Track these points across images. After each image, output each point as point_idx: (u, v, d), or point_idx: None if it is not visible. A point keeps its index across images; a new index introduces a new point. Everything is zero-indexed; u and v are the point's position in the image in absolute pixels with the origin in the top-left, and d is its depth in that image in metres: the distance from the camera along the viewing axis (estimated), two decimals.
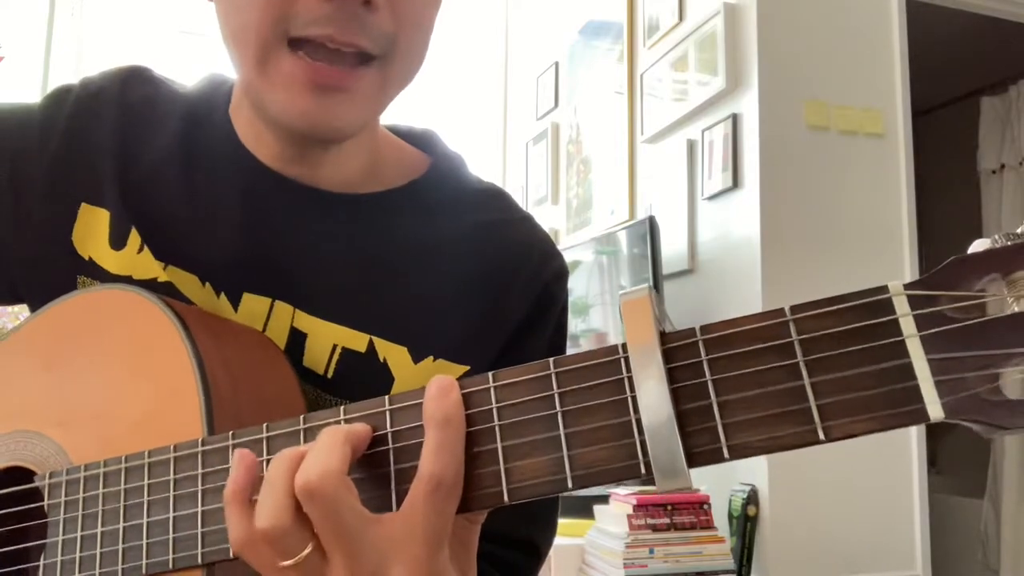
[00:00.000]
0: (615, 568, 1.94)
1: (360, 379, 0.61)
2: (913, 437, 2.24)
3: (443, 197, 0.67)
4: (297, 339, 0.61)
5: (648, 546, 1.96)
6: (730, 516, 2.14)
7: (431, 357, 0.62)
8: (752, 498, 2.10)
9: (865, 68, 2.36)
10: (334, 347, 0.61)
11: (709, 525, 2.02)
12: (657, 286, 2.28)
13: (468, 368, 0.63)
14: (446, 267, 0.64)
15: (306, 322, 0.61)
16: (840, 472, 2.13)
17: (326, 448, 0.40)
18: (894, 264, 2.30)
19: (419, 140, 0.71)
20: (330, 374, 0.61)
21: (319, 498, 0.39)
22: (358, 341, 0.61)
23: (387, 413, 0.43)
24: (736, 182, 2.28)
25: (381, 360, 0.61)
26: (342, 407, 0.44)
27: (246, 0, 0.54)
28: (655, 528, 1.97)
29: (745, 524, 2.09)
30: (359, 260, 0.63)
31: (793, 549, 2.10)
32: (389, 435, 0.43)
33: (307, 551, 0.40)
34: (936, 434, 3.59)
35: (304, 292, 0.61)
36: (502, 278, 0.65)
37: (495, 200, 0.69)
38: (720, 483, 2.16)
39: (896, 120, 2.35)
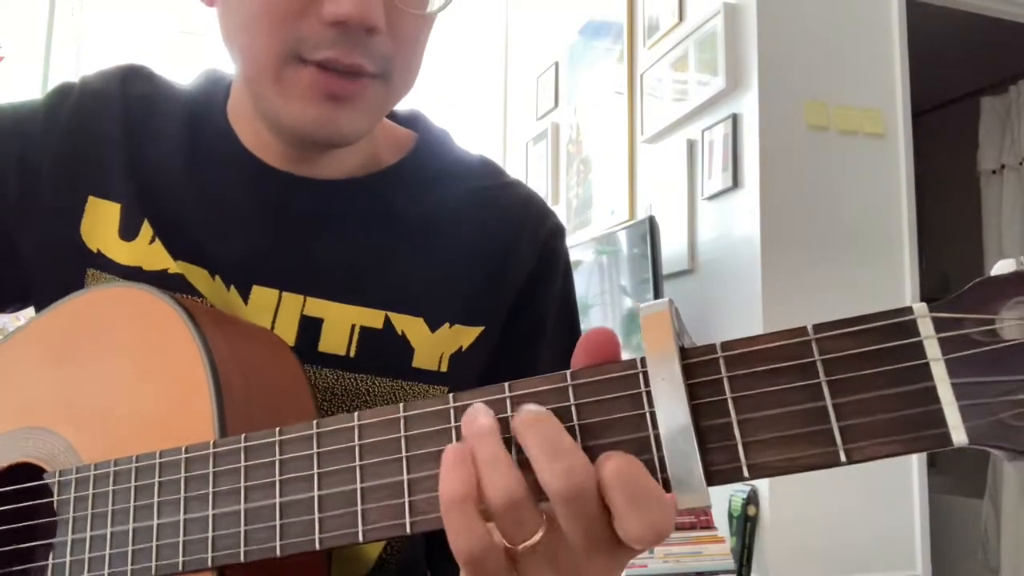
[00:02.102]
0: None
1: (381, 354, 0.63)
2: None
3: (436, 169, 0.69)
4: (310, 326, 0.62)
5: None
6: (730, 516, 2.14)
7: (447, 324, 0.64)
8: (752, 498, 2.11)
9: (865, 68, 2.36)
10: (353, 327, 0.63)
11: (709, 525, 2.02)
12: (657, 286, 2.28)
13: (483, 328, 0.65)
14: (449, 235, 0.66)
15: (320, 308, 0.62)
16: (840, 472, 2.11)
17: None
18: (894, 264, 2.30)
19: (405, 119, 0.73)
20: (352, 353, 0.63)
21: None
22: (374, 318, 0.63)
23: (401, 420, 0.43)
24: (736, 182, 2.28)
25: (399, 333, 0.63)
26: (355, 413, 0.44)
27: (252, 21, 0.56)
28: None
29: (745, 524, 2.09)
30: (364, 240, 0.64)
31: (793, 549, 2.10)
32: (402, 440, 0.42)
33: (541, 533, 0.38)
34: None
35: (315, 279, 0.63)
36: (504, 239, 0.67)
37: (485, 168, 0.72)
38: None
39: (896, 120, 2.35)
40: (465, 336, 0.65)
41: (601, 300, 2.61)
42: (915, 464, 2.23)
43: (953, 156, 3.82)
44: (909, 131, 2.36)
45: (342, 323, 0.62)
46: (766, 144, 2.22)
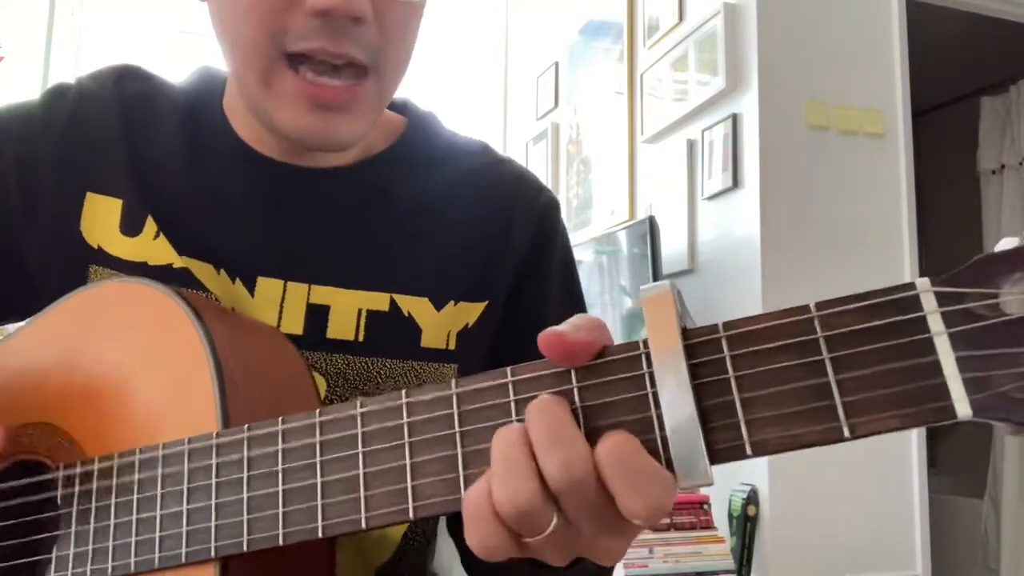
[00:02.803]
0: (615, 568, 1.94)
1: (389, 336, 0.64)
2: (913, 437, 2.24)
3: (428, 151, 0.70)
4: (317, 314, 0.63)
5: (648, 546, 1.96)
6: (730, 516, 2.14)
7: (452, 302, 0.65)
8: (752, 498, 2.10)
9: (865, 68, 2.36)
10: (359, 311, 0.63)
11: (709, 525, 2.02)
12: None
13: (487, 304, 0.66)
14: (446, 215, 0.67)
15: (326, 295, 0.63)
16: (840, 472, 2.13)
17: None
18: (894, 264, 2.30)
19: (394, 105, 0.74)
20: (361, 337, 0.63)
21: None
22: (379, 301, 0.64)
23: (403, 407, 0.43)
24: (736, 182, 2.28)
25: (406, 314, 0.64)
26: (358, 400, 0.44)
27: (240, 15, 0.56)
28: (655, 528, 1.97)
29: (745, 524, 2.09)
30: (364, 225, 0.65)
31: (793, 549, 2.10)
32: (405, 426, 0.43)
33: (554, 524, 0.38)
34: (936, 434, 3.59)
35: (318, 267, 0.63)
36: (500, 215, 0.68)
37: (478, 148, 0.73)
38: (720, 483, 2.14)
39: (896, 120, 2.35)
40: (470, 312, 0.66)
41: (601, 300, 2.61)
42: (915, 464, 2.23)
43: (953, 156, 3.83)
44: (909, 131, 2.36)
45: (349, 308, 0.63)
46: (766, 144, 2.22)
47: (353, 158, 0.67)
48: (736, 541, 2.09)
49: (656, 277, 2.29)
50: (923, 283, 0.35)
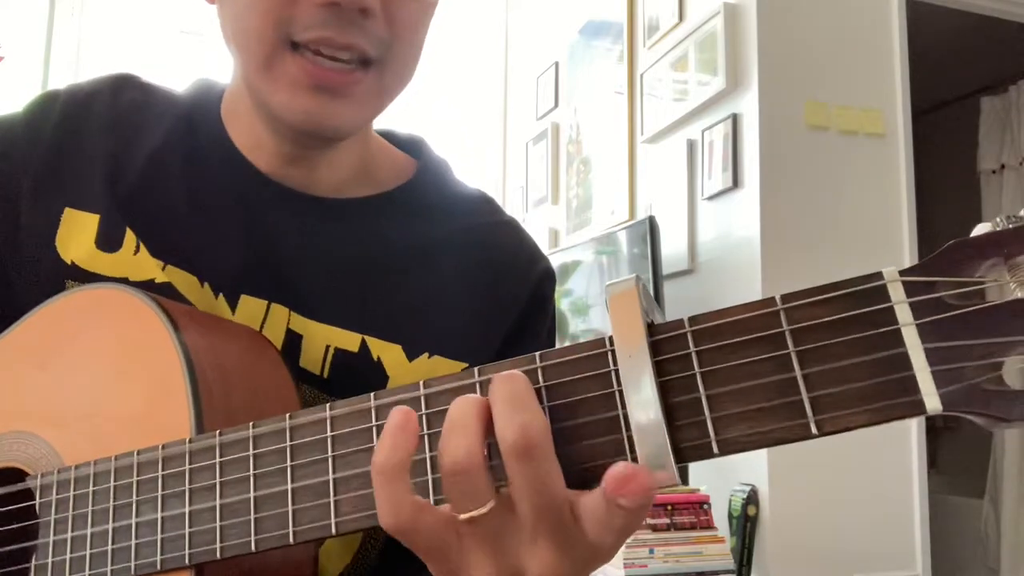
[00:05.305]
0: (615, 568, 1.94)
1: (355, 378, 0.61)
2: (913, 437, 2.24)
3: (432, 200, 0.69)
4: (293, 341, 0.62)
5: (648, 546, 1.96)
6: (730, 516, 2.14)
7: (426, 354, 0.63)
8: (752, 498, 2.10)
9: (865, 68, 2.36)
10: (327, 348, 0.62)
11: (709, 525, 2.02)
12: (657, 286, 2.28)
13: (466, 365, 0.63)
14: (438, 267, 0.65)
15: (301, 324, 0.62)
16: (840, 472, 2.13)
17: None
18: (894, 264, 2.28)
19: (407, 145, 0.73)
20: (326, 374, 0.62)
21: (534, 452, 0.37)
22: (350, 341, 0.62)
23: (372, 410, 0.43)
24: (736, 182, 2.28)
25: (375, 359, 0.62)
26: (327, 404, 0.44)
27: (246, 6, 0.56)
28: (655, 528, 1.97)
29: (745, 524, 2.09)
30: (351, 262, 0.64)
31: (793, 549, 2.10)
32: (373, 429, 0.42)
33: (491, 504, 0.37)
34: (936, 434, 3.60)
35: (299, 295, 0.62)
36: (495, 278, 0.67)
37: (482, 204, 0.72)
38: (720, 483, 2.16)
39: (896, 120, 2.35)
40: (444, 369, 0.63)
41: (601, 300, 2.61)
42: (915, 464, 2.23)
43: (953, 156, 3.82)
44: (909, 131, 2.36)
45: (318, 343, 0.62)
46: (766, 144, 2.22)
47: (354, 186, 0.66)
48: (736, 541, 2.09)
49: (656, 277, 2.29)
50: (890, 272, 0.34)
